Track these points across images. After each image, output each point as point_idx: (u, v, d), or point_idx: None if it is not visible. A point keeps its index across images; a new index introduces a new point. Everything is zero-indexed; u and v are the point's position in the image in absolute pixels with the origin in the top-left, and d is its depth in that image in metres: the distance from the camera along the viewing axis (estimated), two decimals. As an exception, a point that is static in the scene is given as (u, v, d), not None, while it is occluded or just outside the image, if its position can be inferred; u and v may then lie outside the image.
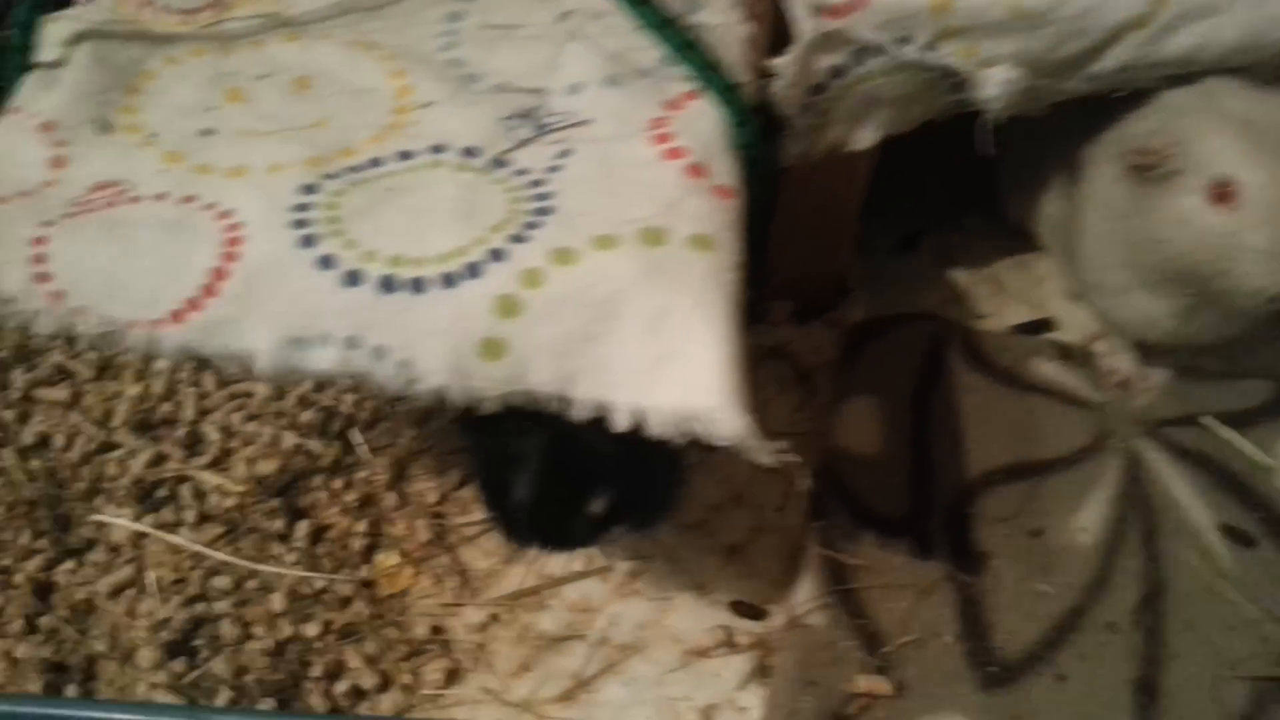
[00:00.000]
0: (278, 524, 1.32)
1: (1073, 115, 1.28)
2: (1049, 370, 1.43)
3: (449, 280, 0.92)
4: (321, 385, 1.47)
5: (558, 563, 1.27)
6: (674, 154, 1.01)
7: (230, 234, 0.96)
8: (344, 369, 0.93)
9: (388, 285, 0.92)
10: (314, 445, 1.40)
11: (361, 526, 1.33)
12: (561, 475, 1.02)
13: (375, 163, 1.05)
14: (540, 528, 1.04)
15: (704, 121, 1.04)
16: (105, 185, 1.03)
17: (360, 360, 0.92)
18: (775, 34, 1.20)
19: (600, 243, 0.93)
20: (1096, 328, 1.47)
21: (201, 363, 1.42)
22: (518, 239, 0.94)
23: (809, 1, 1.12)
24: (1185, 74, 1.18)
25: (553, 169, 1.02)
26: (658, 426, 0.88)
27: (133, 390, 1.48)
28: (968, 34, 1.14)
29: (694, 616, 1.22)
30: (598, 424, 0.95)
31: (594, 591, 1.25)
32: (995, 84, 1.15)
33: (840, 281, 1.52)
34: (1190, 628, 1.17)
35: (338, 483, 1.38)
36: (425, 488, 1.37)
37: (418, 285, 0.92)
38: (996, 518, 1.28)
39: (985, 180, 1.63)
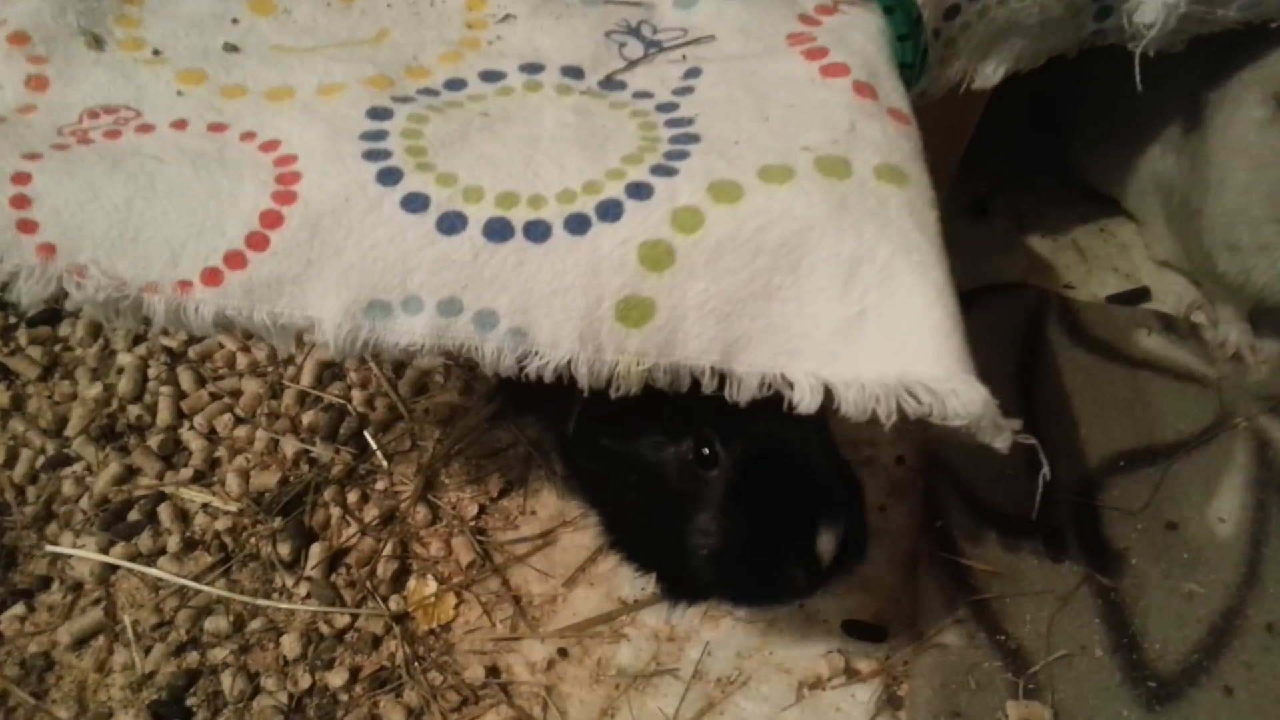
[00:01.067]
0: (284, 549, 1.08)
1: (1184, 62, 1.14)
2: (1154, 344, 1.29)
3: (578, 224, 0.72)
4: (323, 379, 1.24)
5: (629, 582, 1.07)
6: (833, 70, 0.82)
7: (282, 169, 0.74)
8: (438, 341, 0.72)
9: (497, 231, 0.72)
10: (321, 452, 1.16)
11: (388, 548, 1.10)
12: (766, 508, 0.82)
13: (455, 85, 0.84)
14: (738, 579, 0.84)
15: (860, 32, 0.86)
16: (104, 111, 0.79)
17: (460, 329, 0.71)
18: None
19: (770, 174, 0.73)
20: (1196, 296, 1.33)
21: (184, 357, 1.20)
22: (663, 171, 0.74)
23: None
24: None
25: (683, 90, 0.82)
26: (859, 402, 0.69)
27: (91, 391, 1.22)
28: (1129, -55, 0.99)
29: (802, 641, 1.03)
30: (802, 425, 0.76)
31: (679, 616, 1.05)
32: (1154, 7, 1.00)
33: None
34: (1365, 625, 1.04)
35: (353, 496, 1.15)
36: (460, 499, 1.15)
37: (537, 231, 0.72)
38: (1126, 510, 1.13)
39: (1052, 142, 1.49)
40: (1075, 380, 1.24)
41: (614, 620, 1.05)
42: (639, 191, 0.72)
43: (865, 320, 0.71)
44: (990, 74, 1.07)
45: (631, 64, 0.85)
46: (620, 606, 1.05)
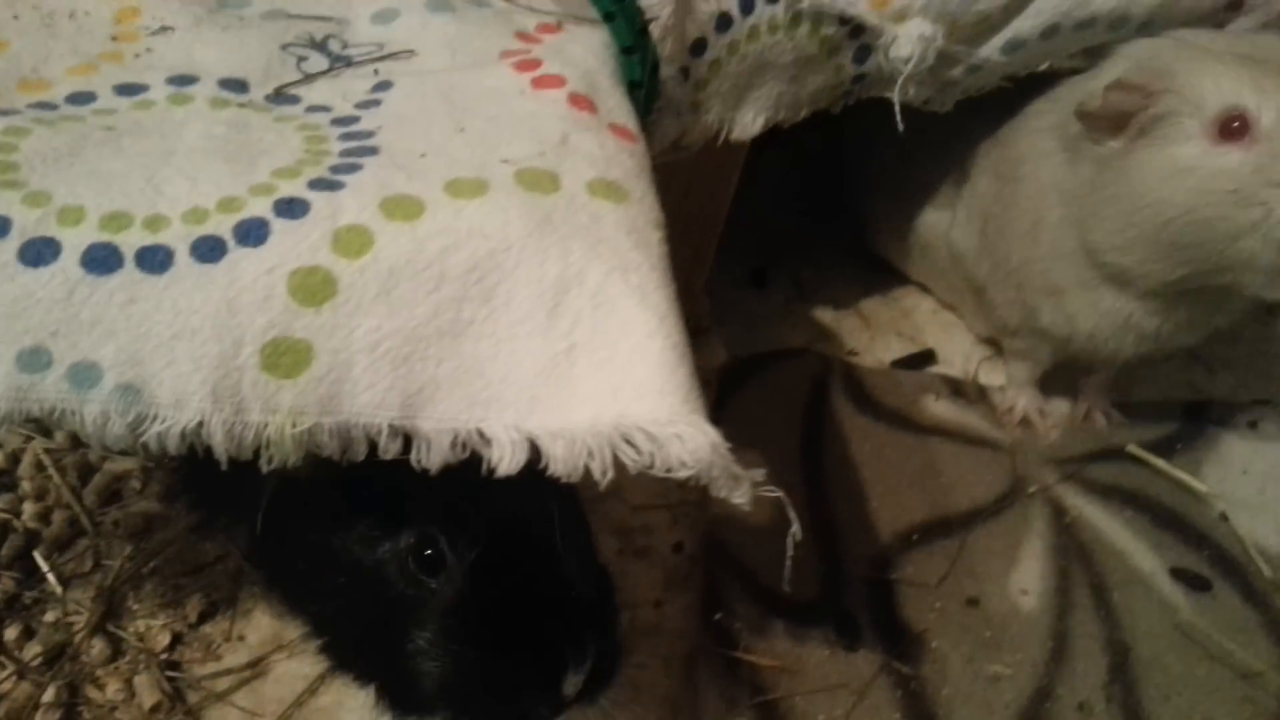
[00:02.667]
0: (-88, 700, 0.85)
1: (970, 116, 1.12)
2: (943, 409, 1.22)
3: (210, 249, 0.57)
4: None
5: (355, 714, 0.88)
6: (547, 82, 0.71)
7: None
8: (18, 405, 0.54)
9: (101, 261, 0.56)
10: (-24, 578, 0.94)
11: (49, 693, 0.88)
12: (501, 630, 0.66)
13: (81, 98, 0.68)
14: (466, 710, 0.68)
15: (580, 46, 0.76)
16: None
17: (49, 389, 0.54)
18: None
19: (458, 188, 0.60)
20: (982, 357, 1.28)
21: None
22: (324, 185, 0.60)
23: (685, -72, 0.88)
24: (1101, 47, 1.03)
25: (367, 104, 0.69)
26: (568, 458, 0.56)
27: None
28: (878, -24, 0.93)
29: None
30: (553, 517, 0.62)
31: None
32: (909, 41, 0.94)
33: (694, 322, 1.26)
34: (1169, 697, 0.96)
35: (12, 631, 0.92)
36: (150, 627, 0.94)
37: (153, 258, 0.56)
38: (923, 586, 1.03)
39: (832, 212, 1.44)
40: (863, 449, 1.15)
41: (337, 767, 0.86)
42: (291, 209, 0.58)
43: (575, 356, 0.57)
44: (750, 123, 0.99)
45: (310, 77, 0.71)
46: (346, 749, 0.86)
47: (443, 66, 0.74)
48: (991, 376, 1.28)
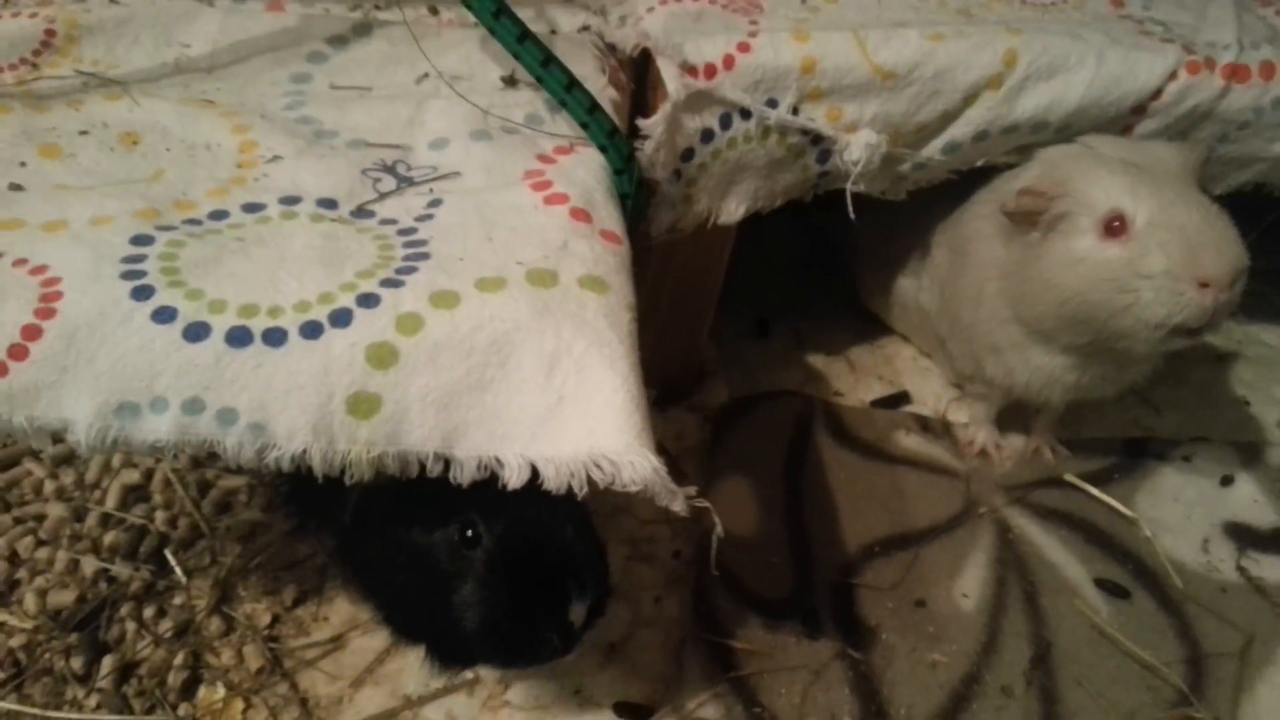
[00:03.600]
0: (76, 663, 1.11)
1: (936, 209, 1.34)
2: (912, 442, 1.43)
3: (312, 330, 0.82)
4: (127, 501, 1.29)
5: (417, 678, 1.12)
6: (555, 199, 0.96)
7: (46, 289, 0.82)
8: (182, 437, 0.79)
9: (238, 338, 0.81)
10: (120, 570, 1.20)
11: (179, 658, 1.14)
12: (523, 581, 0.90)
13: (218, 215, 0.94)
14: (501, 644, 0.92)
15: (583, 168, 1.00)
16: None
17: (203, 426, 0.79)
18: (635, 104, 1.20)
19: (485, 285, 0.85)
20: (951, 398, 1.49)
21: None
22: (391, 283, 0.85)
23: (678, 61, 1.12)
24: (1035, 144, 1.24)
25: (424, 218, 0.94)
26: (557, 477, 0.79)
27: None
28: (832, 95, 1.16)
29: (578, 723, 1.10)
30: (557, 507, 0.86)
31: (460, 709, 1.10)
32: (858, 147, 1.17)
33: (700, 366, 1.49)
34: (1081, 684, 1.15)
35: (149, 611, 1.18)
36: (255, 609, 1.19)
37: (274, 337, 0.81)
38: (880, 589, 1.24)
39: (831, 270, 1.67)
40: (839, 476, 1.37)
41: (397, 716, 1.09)
42: (368, 301, 0.83)
43: (563, 405, 0.81)
44: (733, 210, 1.23)
45: (382, 195, 0.97)
46: (403, 703, 1.10)
47: (480, 185, 0.99)
48: (958, 415, 1.48)
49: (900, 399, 1.51)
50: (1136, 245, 1.09)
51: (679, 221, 1.21)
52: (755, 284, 1.66)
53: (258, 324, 0.82)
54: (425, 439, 0.81)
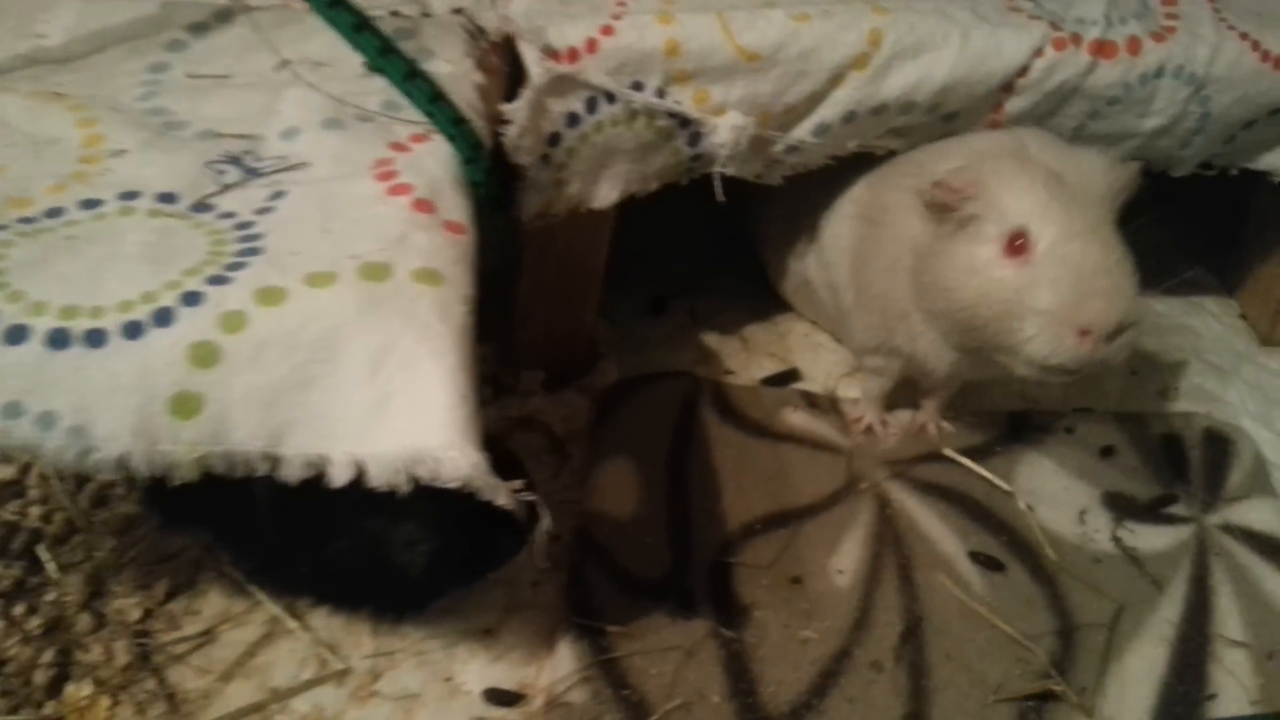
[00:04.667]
0: (-60, 663, 1.11)
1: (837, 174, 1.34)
2: (798, 419, 1.44)
3: (133, 330, 0.81)
4: (2, 498, 1.27)
5: (285, 672, 1.12)
6: (399, 190, 0.95)
7: None
8: (3, 442, 0.78)
9: (58, 340, 0.80)
10: (-13, 569, 1.19)
11: (48, 656, 1.13)
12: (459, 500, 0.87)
13: (54, 213, 0.92)
14: (455, 566, 0.98)
15: (431, 158, 0.99)
16: None
17: (23, 430, 0.79)
18: (509, 86, 1.18)
19: (314, 280, 0.84)
20: (841, 374, 1.50)
21: None
22: (217, 280, 0.84)
23: (540, 45, 1.10)
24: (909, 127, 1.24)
25: (263, 210, 0.93)
26: (380, 476, 0.79)
27: None
28: (698, 77, 1.15)
29: (444, 712, 1.10)
30: None
31: (328, 700, 1.10)
32: (725, 130, 1.16)
33: (590, 347, 1.49)
34: (950, 658, 1.18)
35: (19, 608, 1.17)
36: (126, 604, 1.18)
37: (95, 338, 0.80)
38: (757, 568, 1.25)
39: (731, 245, 1.66)
40: (724, 456, 1.38)
41: (264, 709, 1.10)
42: (192, 299, 0.82)
43: (390, 402, 0.81)
44: (605, 194, 1.22)
45: (225, 189, 0.95)
46: (271, 695, 1.10)
47: (327, 176, 0.97)
48: (848, 391, 1.50)
49: (790, 376, 1.52)
50: (1029, 274, 1.06)
51: (551, 206, 1.20)
52: (653, 260, 1.65)
53: (79, 325, 0.80)
54: (250, 438, 0.81)
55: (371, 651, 1.15)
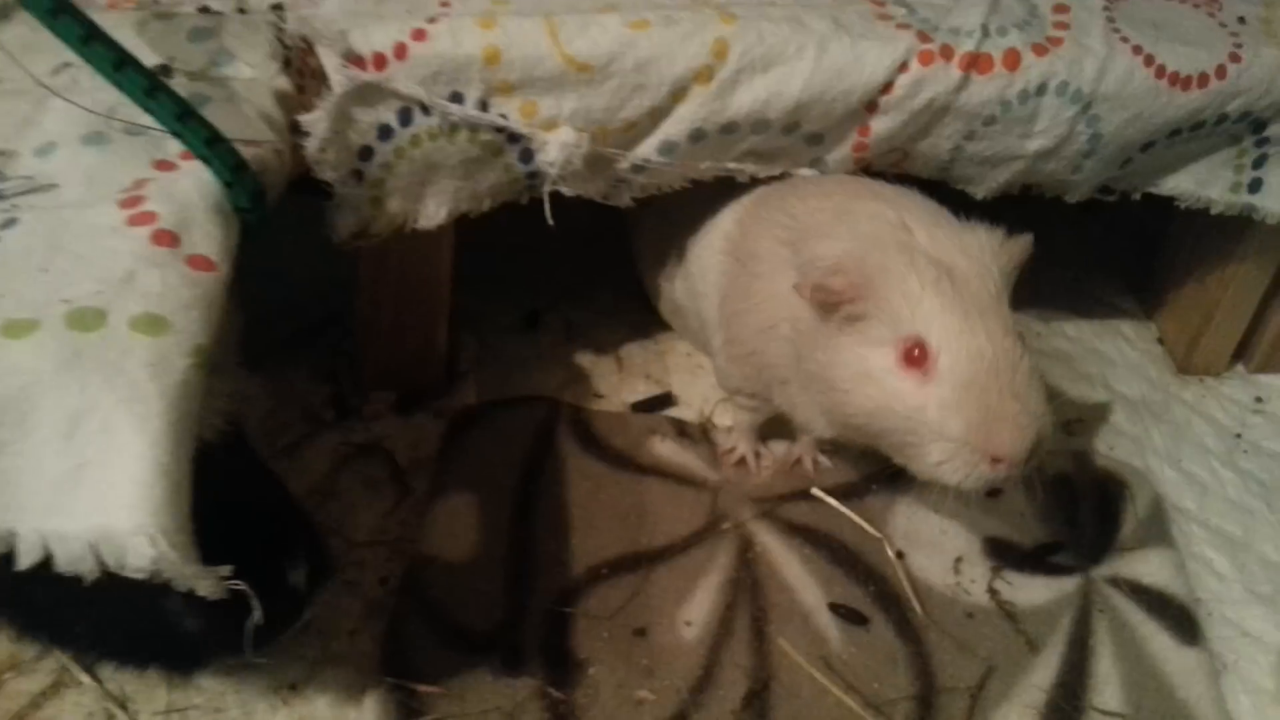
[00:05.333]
0: None
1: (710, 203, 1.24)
2: (665, 449, 1.35)
3: None
4: None
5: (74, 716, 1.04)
6: (140, 219, 0.84)
7: None
8: None
9: None
10: None
11: None
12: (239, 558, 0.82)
13: None
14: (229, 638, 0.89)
15: (189, 181, 0.88)
16: None
17: None
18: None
19: (13, 329, 0.74)
20: (718, 399, 1.40)
21: None
22: (-96, 328, 0.74)
23: (341, 50, 1.00)
24: (767, 154, 1.14)
25: (-15, 243, 0.83)
26: (67, 557, 0.70)
27: None
28: (524, 89, 1.05)
29: (224, 773, 1.02)
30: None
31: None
32: (555, 147, 1.06)
33: (446, 366, 1.39)
34: (792, 725, 1.09)
35: None
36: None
37: None
38: (599, 617, 1.16)
39: (614, 256, 1.56)
40: (579, 491, 1.28)
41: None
42: None
43: (85, 473, 0.71)
44: (432, 213, 1.11)
45: (-46, 213, 0.85)
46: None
47: (72, 201, 0.87)
48: (723, 418, 1.40)
49: (663, 401, 1.42)
50: (935, 394, 0.98)
51: (370, 226, 1.10)
52: (532, 270, 1.55)
53: None
54: (-72, 510, 0.71)
55: (164, 708, 1.06)
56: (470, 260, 1.41)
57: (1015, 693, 1.13)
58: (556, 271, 1.57)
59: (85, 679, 1.06)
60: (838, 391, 1.05)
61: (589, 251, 1.60)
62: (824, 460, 1.34)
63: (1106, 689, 1.14)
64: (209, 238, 0.85)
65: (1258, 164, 1.23)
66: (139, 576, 0.68)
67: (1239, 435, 1.44)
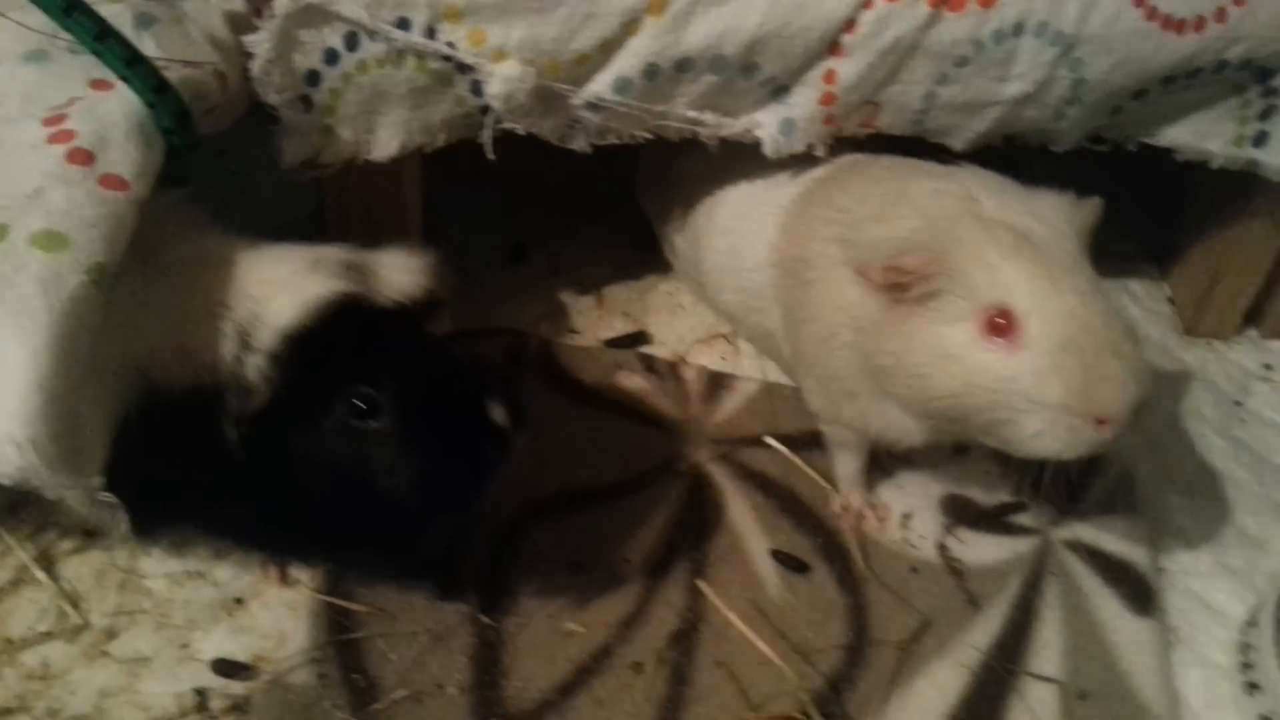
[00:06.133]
0: None
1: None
2: (632, 385, 1.34)
3: None
4: None
5: (22, 622, 1.09)
6: (60, 138, 0.87)
7: None
8: None
9: None
10: None
11: None
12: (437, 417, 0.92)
13: None
14: (444, 486, 0.93)
15: (115, 102, 0.90)
16: None
17: None
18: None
19: (-81, 241, 0.77)
20: (695, 339, 1.39)
21: None
22: None
23: (282, -32, 1.00)
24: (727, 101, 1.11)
25: (-86, 156, 0.86)
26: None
27: None
28: (471, 15, 1.03)
29: (170, 679, 1.06)
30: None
31: (58, 656, 1.07)
32: (499, 80, 1.04)
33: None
34: (720, 664, 1.09)
35: None
36: None
37: None
38: (539, 552, 1.17)
39: (605, 190, 1.54)
40: (540, 423, 1.28)
41: (-10, 660, 1.07)
42: None
43: (-27, 382, 0.74)
44: (385, 144, 1.11)
45: (-110, 128, 0.88)
46: (3, 645, 1.08)
47: (5, 117, 0.90)
48: (700, 357, 1.39)
49: (637, 339, 1.41)
50: (1028, 361, 0.92)
51: (320, 155, 1.10)
52: (520, 203, 1.54)
53: None
54: None
55: (114, 609, 1.11)
56: (458, 192, 1.42)
57: (949, 649, 1.11)
58: (546, 205, 1.56)
59: (42, 577, 1.12)
60: (918, 377, 0.99)
61: (580, 185, 1.58)
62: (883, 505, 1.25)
63: (1046, 653, 1.11)
64: (126, 158, 0.87)
65: (1264, 116, 1.15)
66: (9, 483, 0.71)
67: (1239, 403, 1.37)
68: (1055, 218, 0.99)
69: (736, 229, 1.24)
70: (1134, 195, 1.54)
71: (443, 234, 1.48)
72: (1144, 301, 1.49)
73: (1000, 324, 0.93)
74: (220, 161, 1.54)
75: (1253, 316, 1.46)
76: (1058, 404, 0.92)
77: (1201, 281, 1.42)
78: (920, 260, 0.95)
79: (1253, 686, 1.07)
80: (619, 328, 1.43)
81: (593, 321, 1.43)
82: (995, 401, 0.94)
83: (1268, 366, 1.43)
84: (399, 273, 0.96)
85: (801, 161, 1.17)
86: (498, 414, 0.93)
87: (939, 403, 0.99)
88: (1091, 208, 1.02)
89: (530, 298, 1.45)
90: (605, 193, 1.55)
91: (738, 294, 1.26)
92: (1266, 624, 1.07)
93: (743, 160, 1.20)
